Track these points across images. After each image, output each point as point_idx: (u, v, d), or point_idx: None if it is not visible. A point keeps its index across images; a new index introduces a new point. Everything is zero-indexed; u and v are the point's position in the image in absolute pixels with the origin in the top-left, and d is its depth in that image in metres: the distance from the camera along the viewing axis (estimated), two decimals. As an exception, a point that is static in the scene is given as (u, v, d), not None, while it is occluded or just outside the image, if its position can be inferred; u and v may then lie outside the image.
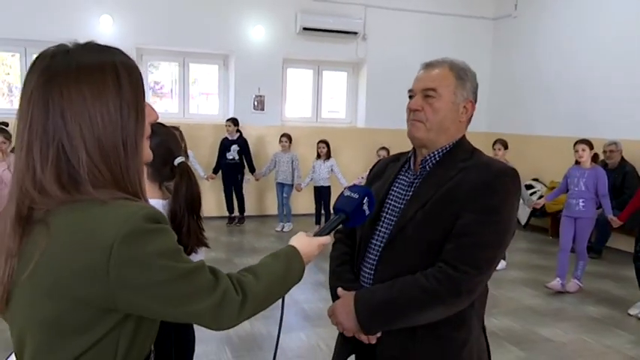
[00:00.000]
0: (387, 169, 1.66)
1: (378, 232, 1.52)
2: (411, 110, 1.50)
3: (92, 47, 0.94)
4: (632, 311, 4.37)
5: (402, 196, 1.52)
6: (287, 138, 7.14)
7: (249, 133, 7.67)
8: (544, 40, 7.67)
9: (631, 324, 4.21)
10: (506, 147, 5.75)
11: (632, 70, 6.35)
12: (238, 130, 7.28)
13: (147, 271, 0.88)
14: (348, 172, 7.32)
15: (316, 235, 1.29)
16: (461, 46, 8.48)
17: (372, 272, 1.50)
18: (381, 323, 1.42)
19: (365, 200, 1.35)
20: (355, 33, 7.96)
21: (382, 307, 1.40)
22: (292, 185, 7.16)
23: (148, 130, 1.00)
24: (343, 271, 1.59)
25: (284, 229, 7.15)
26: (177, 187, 1.84)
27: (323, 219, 7.05)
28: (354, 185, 1.41)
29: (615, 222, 4.85)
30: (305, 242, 1.21)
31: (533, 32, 7.91)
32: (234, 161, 7.22)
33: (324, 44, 7.98)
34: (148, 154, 1.01)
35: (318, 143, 7.01)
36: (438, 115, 1.45)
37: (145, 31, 7.09)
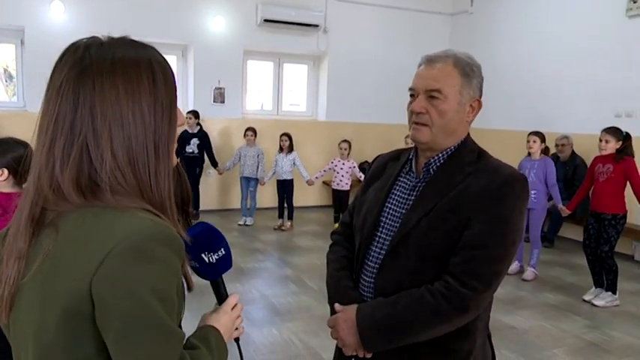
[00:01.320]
0: (386, 168, 1.55)
1: (377, 239, 1.43)
2: (413, 112, 1.38)
3: (127, 41, 0.89)
4: (587, 297, 4.62)
5: (404, 201, 1.42)
6: (252, 132, 7.06)
7: (210, 126, 7.54)
8: (499, 35, 7.90)
9: (585, 309, 4.44)
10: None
11: (583, 67, 6.64)
12: (199, 124, 7.14)
13: (123, 300, 0.78)
14: (309, 165, 7.34)
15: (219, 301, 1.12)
16: (419, 40, 8.64)
17: (373, 281, 1.42)
18: (384, 342, 1.34)
19: (203, 257, 1.06)
20: (316, 26, 7.94)
21: (386, 325, 1.32)
22: (258, 179, 7.11)
23: (176, 134, 0.95)
24: (342, 277, 1.50)
25: (246, 223, 7.09)
26: None
27: (286, 212, 7.04)
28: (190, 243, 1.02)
29: (564, 211, 5.10)
30: (224, 320, 1.06)
31: (489, 28, 8.13)
32: (194, 155, 7.08)
33: (285, 36, 7.92)
34: (174, 158, 0.96)
35: (280, 136, 6.98)
36: (444, 118, 1.35)
37: (99, 20, 6.81)
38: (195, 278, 1.02)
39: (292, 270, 5.26)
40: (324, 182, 8.12)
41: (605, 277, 4.58)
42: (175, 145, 0.95)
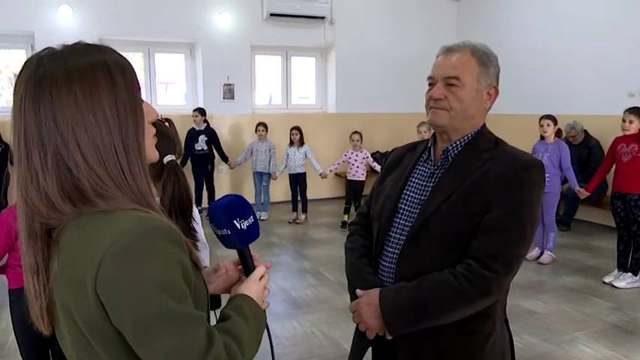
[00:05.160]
0: (403, 158, 1.58)
1: (396, 225, 1.46)
2: (432, 99, 1.42)
3: (81, 47, 0.89)
4: (607, 279, 4.59)
5: (423, 188, 1.45)
6: (264, 127, 7.07)
7: (220, 122, 7.57)
8: (508, 19, 7.82)
9: (606, 291, 4.42)
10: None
11: (594, 47, 6.55)
12: (205, 120, 7.16)
13: (129, 300, 0.78)
14: (321, 157, 7.34)
15: (246, 269, 1.17)
16: (426, 28, 8.58)
17: (394, 267, 1.44)
18: (408, 324, 1.36)
19: (236, 223, 1.10)
20: (322, 18, 7.91)
21: (410, 308, 1.35)
22: (270, 174, 7.13)
23: (151, 130, 0.96)
24: (362, 264, 1.52)
25: (261, 217, 7.12)
26: (164, 187, 1.81)
27: (299, 205, 7.06)
28: (213, 215, 1.13)
29: (582, 193, 5.06)
30: (255, 289, 1.08)
31: (497, 12, 8.05)
32: (203, 152, 7.10)
33: (291, 30, 7.91)
34: (153, 153, 0.96)
35: (291, 130, 6.98)
36: (462, 104, 1.39)
37: (107, 21, 6.86)
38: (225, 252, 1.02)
39: (309, 262, 5.29)
40: (336, 174, 8.13)
41: (632, 256, 4.54)
42: (153, 142, 0.96)
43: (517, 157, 1.39)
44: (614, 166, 4.66)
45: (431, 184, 1.44)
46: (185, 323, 0.81)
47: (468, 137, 1.44)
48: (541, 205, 1.41)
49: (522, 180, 1.33)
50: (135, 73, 0.92)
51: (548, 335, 3.55)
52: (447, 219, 1.35)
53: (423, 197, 1.43)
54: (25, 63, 0.88)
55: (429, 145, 1.52)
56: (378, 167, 6.67)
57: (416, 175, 1.50)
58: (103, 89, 0.86)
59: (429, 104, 1.43)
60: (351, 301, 1.51)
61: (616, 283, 4.49)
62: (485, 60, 1.41)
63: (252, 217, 1.12)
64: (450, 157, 1.44)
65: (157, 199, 1.80)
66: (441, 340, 1.38)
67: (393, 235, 1.46)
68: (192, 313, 0.83)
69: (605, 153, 5.13)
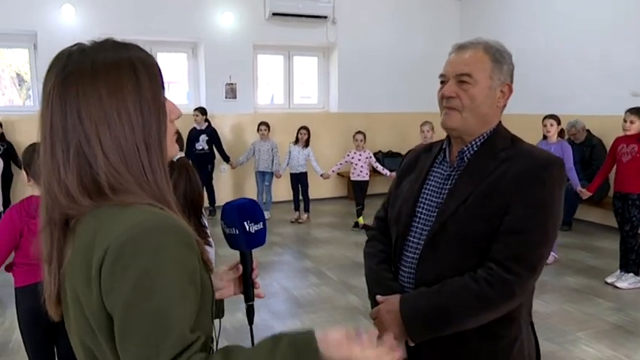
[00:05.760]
0: (418, 160, 1.55)
1: (414, 229, 1.43)
2: (444, 97, 1.37)
3: (109, 44, 0.91)
4: (609, 279, 4.59)
5: (439, 191, 1.42)
6: (266, 126, 7.07)
7: (222, 121, 7.58)
8: (511, 18, 7.81)
9: (608, 292, 4.42)
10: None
11: (597, 47, 6.54)
12: (207, 120, 7.15)
13: (122, 290, 0.78)
14: (323, 157, 7.35)
15: (246, 283, 1.15)
16: (429, 27, 8.58)
17: (413, 271, 1.41)
18: (430, 331, 1.33)
19: (245, 225, 1.11)
20: (325, 17, 7.91)
21: (431, 314, 1.31)
22: (273, 173, 7.14)
23: (172, 128, 0.97)
24: (382, 269, 1.50)
25: (263, 217, 7.13)
26: (175, 184, 1.81)
27: (301, 205, 7.06)
28: (225, 212, 1.15)
29: (584, 193, 5.05)
30: (335, 337, 0.85)
31: (500, 11, 8.04)
32: (204, 151, 7.08)
33: (294, 29, 7.91)
34: (173, 151, 0.98)
35: (299, 130, 6.95)
36: (474, 102, 1.34)
37: (109, 20, 6.85)
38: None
39: (311, 262, 5.29)
40: (338, 174, 8.13)
41: (628, 257, 4.54)
42: (173, 140, 0.98)
43: (535, 156, 1.35)
44: (615, 166, 4.66)
45: (447, 187, 1.41)
46: (161, 328, 0.78)
47: (484, 137, 1.40)
48: (562, 204, 1.35)
49: (542, 179, 1.29)
50: (160, 71, 0.94)
51: (550, 335, 3.55)
52: (465, 222, 1.32)
53: (440, 200, 1.40)
54: (56, 57, 0.90)
55: (443, 146, 1.49)
56: (380, 168, 6.67)
57: (432, 178, 1.46)
58: (127, 88, 0.88)
59: (442, 103, 1.40)
60: (372, 307, 1.48)
61: (618, 284, 4.49)
62: (498, 57, 1.37)
63: (262, 223, 1.14)
64: (465, 158, 1.41)
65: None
66: (466, 345, 1.35)
67: (412, 239, 1.44)
68: (175, 320, 0.79)
69: (607, 152, 5.12)
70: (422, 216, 1.43)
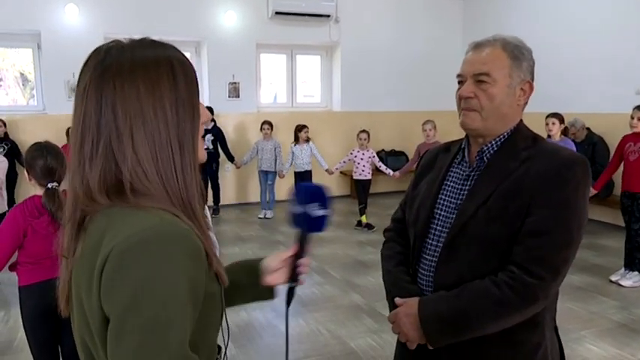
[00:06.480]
0: (437, 160, 1.50)
1: (433, 231, 1.39)
2: (461, 98, 1.33)
3: (147, 42, 0.91)
4: (614, 277, 4.58)
5: (458, 191, 1.38)
6: (269, 125, 7.08)
7: (225, 120, 7.59)
8: (514, 17, 7.79)
9: (613, 290, 4.41)
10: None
11: (600, 46, 6.52)
12: (213, 119, 7.18)
13: (119, 297, 0.76)
14: (326, 155, 7.33)
15: (294, 264, 1.16)
16: (432, 26, 8.57)
17: (432, 274, 1.37)
18: (449, 335, 1.28)
19: (311, 206, 1.14)
20: (328, 16, 7.91)
21: (450, 318, 1.27)
22: (276, 172, 7.14)
23: (201, 131, 0.97)
24: (399, 272, 1.46)
25: (266, 216, 7.14)
26: None
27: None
28: (297, 190, 1.18)
29: (590, 192, 5.01)
30: None
31: (503, 9, 8.02)
32: (209, 150, 7.10)
33: (296, 28, 7.91)
34: (202, 154, 0.97)
35: (301, 129, 6.95)
36: (493, 102, 1.29)
37: (113, 20, 6.88)
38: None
39: (315, 261, 5.29)
40: (341, 172, 8.13)
41: (633, 255, 4.52)
42: (202, 142, 0.97)
43: (558, 155, 1.29)
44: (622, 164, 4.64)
45: (467, 187, 1.36)
46: (158, 340, 0.76)
47: (504, 136, 1.35)
48: (588, 204, 1.30)
49: (566, 179, 1.24)
50: (195, 73, 0.94)
51: (554, 334, 3.55)
52: (486, 224, 1.27)
53: (459, 201, 1.36)
54: (93, 52, 0.90)
55: (462, 145, 1.44)
56: (383, 167, 6.67)
57: (450, 179, 1.42)
58: (165, 86, 0.87)
59: (460, 104, 1.35)
60: (390, 310, 1.45)
61: (622, 282, 4.47)
62: (517, 53, 1.32)
63: (328, 211, 1.15)
64: (485, 158, 1.36)
65: None
66: (487, 351, 1.31)
67: (430, 241, 1.40)
68: (174, 333, 0.78)
69: (610, 149, 5.10)
70: (440, 217, 1.39)
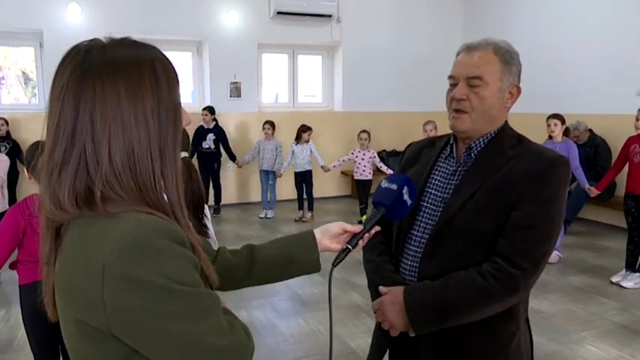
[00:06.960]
0: (421, 154, 1.56)
1: (419, 223, 1.44)
2: (454, 99, 1.38)
3: (129, 42, 0.86)
4: (615, 279, 4.57)
5: (445, 185, 1.43)
6: (270, 125, 7.07)
7: (227, 120, 7.59)
8: (515, 17, 7.78)
9: (613, 291, 4.40)
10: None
11: (602, 46, 6.51)
12: (214, 119, 7.19)
13: (144, 292, 0.75)
14: (327, 155, 7.35)
15: (356, 236, 1.23)
16: (433, 26, 8.56)
17: (416, 265, 1.42)
18: (434, 323, 1.34)
19: (405, 190, 1.25)
20: (329, 16, 7.90)
21: (436, 306, 1.32)
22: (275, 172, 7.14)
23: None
24: (383, 261, 1.50)
25: (267, 216, 7.15)
26: None
27: (306, 203, 7.07)
28: (392, 175, 1.32)
29: (593, 192, 5.03)
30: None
31: (504, 9, 8.01)
32: (210, 150, 7.12)
33: (298, 28, 7.91)
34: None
35: (305, 130, 6.95)
36: (484, 104, 1.36)
37: (114, 20, 6.89)
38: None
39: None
40: (342, 172, 8.13)
41: (635, 256, 4.51)
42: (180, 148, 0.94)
43: (543, 154, 1.37)
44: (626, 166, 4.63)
45: (454, 182, 1.42)
46: (197, 311, 0.80)
47: (491, 135, 1.42)
48: (565, 202, 1.38)
49: (549, 177, 1.32)
50: (177, 75, 0.90)
51: (554, 335, 3.54)
52: (473, 217, 1.33)
53: (445, 195, 1.42)
54: (70, 52, 0.84)
55: (450, 142, 1.49)
56: (384, 168, 6.67)
57: (437, 173, 1.47)
58: (147, 90, 0.83)
59: (451, 105, 1.40)
60: (372, 299, 1.49)
61: (623, 283, 4.47)
62: (507, 58, 1.38)
63: (413, 201, 1.28)
64: (473, 155, 1.42)
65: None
66: (468, 339, 1.37)
67: (416, 232, 1.44)
68: (205, 293, 0.83)
69: (613, 151, 5.09)
70: (427, 210, 1.44)
